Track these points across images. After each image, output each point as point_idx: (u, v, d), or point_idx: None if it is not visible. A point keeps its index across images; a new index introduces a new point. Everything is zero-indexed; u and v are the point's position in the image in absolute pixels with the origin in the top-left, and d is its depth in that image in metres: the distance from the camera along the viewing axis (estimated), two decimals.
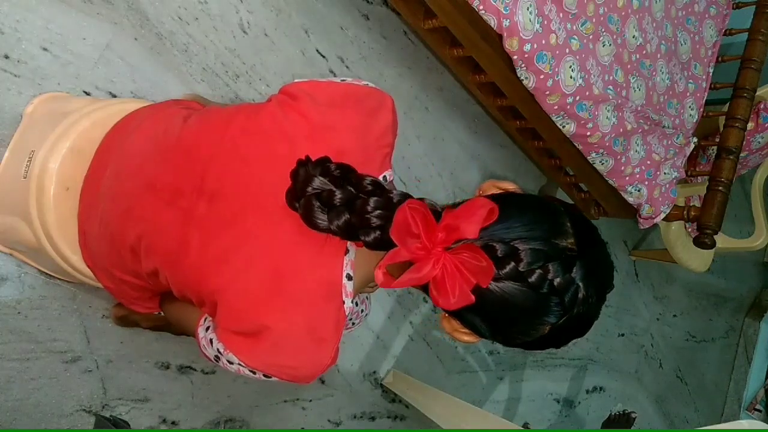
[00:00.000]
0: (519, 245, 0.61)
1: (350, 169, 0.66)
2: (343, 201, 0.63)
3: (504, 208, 0.63)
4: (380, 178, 0.73)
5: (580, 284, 0.63)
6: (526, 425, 2.32)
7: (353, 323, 1.04)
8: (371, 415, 1.82)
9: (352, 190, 0.65)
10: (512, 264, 0.60)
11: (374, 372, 1.81)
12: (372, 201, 0.62)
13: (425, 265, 0.60)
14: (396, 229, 0.59)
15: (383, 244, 0.62)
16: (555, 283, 0.61)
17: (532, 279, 0.61)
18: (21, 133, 1.09)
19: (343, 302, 0.70)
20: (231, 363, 0.72)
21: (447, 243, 0.61)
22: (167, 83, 1.34)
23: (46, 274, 1.17)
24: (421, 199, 0.65)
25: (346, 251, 0.69)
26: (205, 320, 0.81)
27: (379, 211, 0.62)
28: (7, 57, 1.13)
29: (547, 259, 0.61)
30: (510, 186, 0.71)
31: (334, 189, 0.63)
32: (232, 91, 1.45)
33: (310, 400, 1.67)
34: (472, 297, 0.60)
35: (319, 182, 0.64)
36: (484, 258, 0.59)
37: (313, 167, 0.65)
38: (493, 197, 0.67)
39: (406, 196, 0.65)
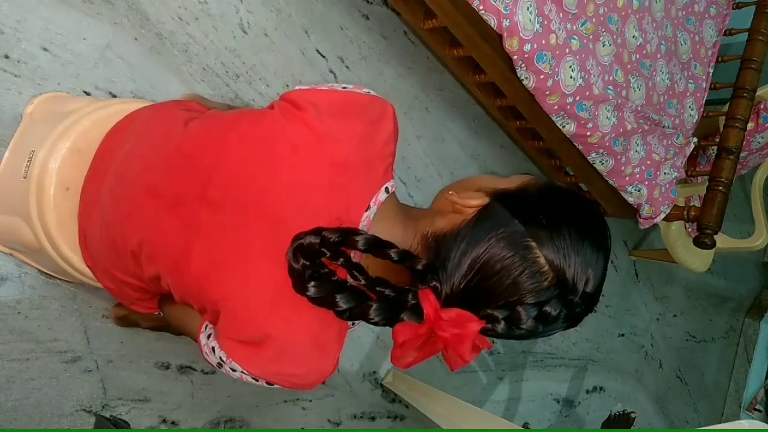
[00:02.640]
0: (512, 309, 0.64)
1: (348, 232, 0.66)
2: (345, 303, 0.66)
3: (481, 263, 0.65)
4: (382, 189, 0.72)
5: (574, 299, 0.65)
6: (526, 425, 2.32)
7: (353, 323, 1.04)
8: (371, 415, 1.82)
9: (355, 285, 0.67)
10: (508, 326, 0.64)
11: (374, 372, 1.81)
12: (373, 311, 0.65)
13: (434, 342, 0.63)
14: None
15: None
16: (550, 318, 0.64)
17: (528, 326, 0.64)
18: (21, 133, 1.09)
19: None
20: (234, 371, 0.71)
21: None
22: (167, 83, 1.33)
23: (46, 274, 1.17)
24: (419, 281, 0.67)
25: None
26: (206, 327, 0.80)
27: (380, 316, 0.65)
28: (7, 57, 1.13)
29: (539, 306, 0.64)
30: (474, 201, 0.69)
31: (335, 300, 0.65)
32: (232, 91, 1.45)
33: (310, 400, 1.67)
34: (481, 348, 0.64)
35: (313, 290, 0.65)
36: (484, 339, 0.64)
37: (312, 235, 0.65)
38: (462, 235, 0.67)
39: (405, 256, 0.66)
